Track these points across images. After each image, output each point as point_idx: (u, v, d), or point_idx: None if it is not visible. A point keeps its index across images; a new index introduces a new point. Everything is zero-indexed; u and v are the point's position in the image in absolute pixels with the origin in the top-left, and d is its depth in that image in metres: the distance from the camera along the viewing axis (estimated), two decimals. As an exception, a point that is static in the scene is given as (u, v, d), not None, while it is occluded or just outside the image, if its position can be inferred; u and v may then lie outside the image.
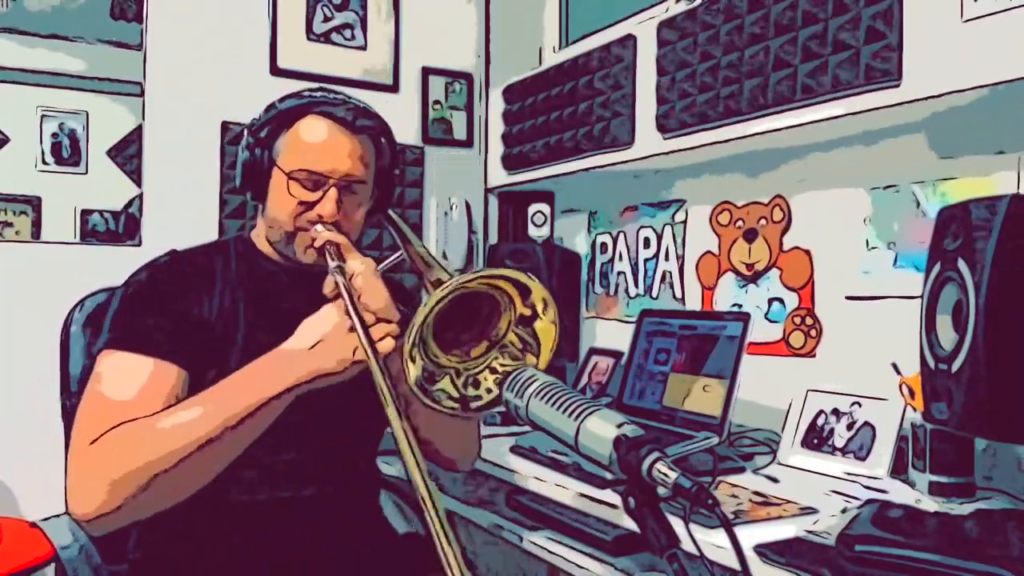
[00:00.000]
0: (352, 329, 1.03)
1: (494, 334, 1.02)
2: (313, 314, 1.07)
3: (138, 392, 1.08)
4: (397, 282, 1.40)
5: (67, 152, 2.05)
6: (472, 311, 1.01)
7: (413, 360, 0.95)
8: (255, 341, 1.19)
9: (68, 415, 1.30)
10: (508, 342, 1.02)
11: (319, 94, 1.22)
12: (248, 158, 1.22)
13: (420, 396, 0.96)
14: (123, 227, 2.08)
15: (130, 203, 2.09)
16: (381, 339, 1.03)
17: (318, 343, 1.04)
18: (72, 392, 1.33)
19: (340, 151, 1.18)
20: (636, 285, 2.24)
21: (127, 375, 1.09)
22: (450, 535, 0.80)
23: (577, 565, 1.37)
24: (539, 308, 1.00)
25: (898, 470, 1.40)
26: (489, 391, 1.00)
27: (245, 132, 1.24)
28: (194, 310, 1.18)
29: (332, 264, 1.11)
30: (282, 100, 1.23)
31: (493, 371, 1.01)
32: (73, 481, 1.04)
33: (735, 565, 0.71)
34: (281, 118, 1.21)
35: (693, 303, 2.05)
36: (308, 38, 2.29)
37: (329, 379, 1.05)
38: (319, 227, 1.17)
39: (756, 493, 1.31)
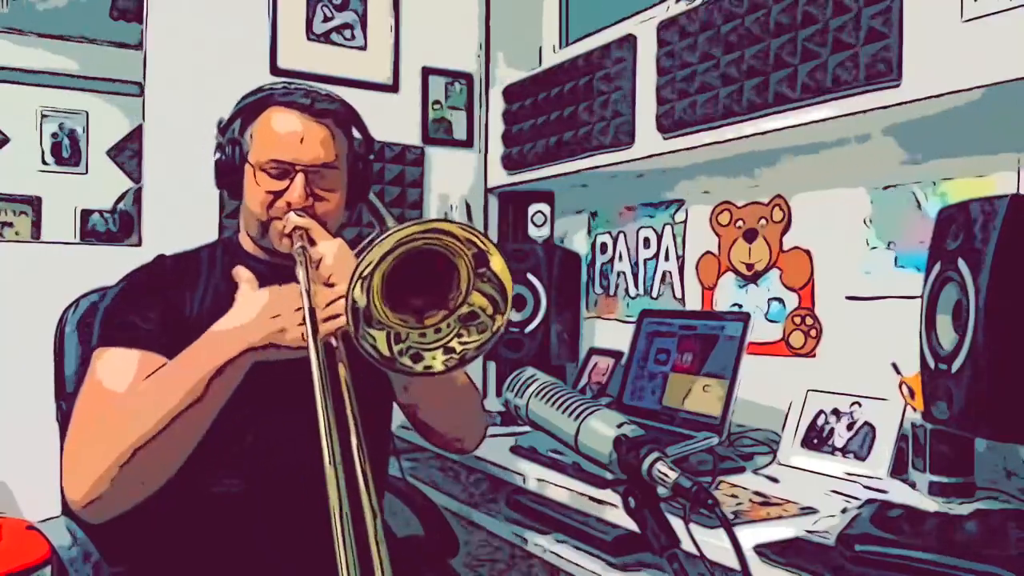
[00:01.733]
0: (300, 309, 1.03)
1: (454, 300, 0.97)
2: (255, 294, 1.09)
3: (129, 385, 1.10)
4: None
5: (67, 152, 2.05)
6: (435, 280, 0.97)
7: (362, 287, 0.90)
8: None
9: (64, 417, 1.30)
10: (477, 308, 0.96)
11: (280, 86, 1.26)
12: (219, 156, 1.26)
13: (348, 324, 0.91)
14: (117, 224, 2.08)
15: (121, 198, 2.08)
16: (330, 318, 1.02)
17: (273, 317, 1.05)
18: (67, 394, 1.33)
19: (303, 137, 1.21)
20: (636, 285, 2.24)
21: (118, 369, 1.13)
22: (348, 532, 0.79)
23: (577, 565, 1.37)
24: (480, 244, 0.93)
25: (898, 470, 1.40)
26: (428, 368, 0.96)
27: (216, 131, 1.28)
28: (178, 306, 1.21)
29: (296, 245, 1.13)
30: (245, 97, 1.27)
31: (448, 351, 0.96)
32: (65, 471, 1.08)
33: (735, 565, 0.71)
34: (245, 113, 1.26)
35: (693, 303, 2.05)
36: (308, 38, 2.29)
37: (280, 352, 1.05)
38: (291, 214, 1.20)
39: (756, 493, 1.31)
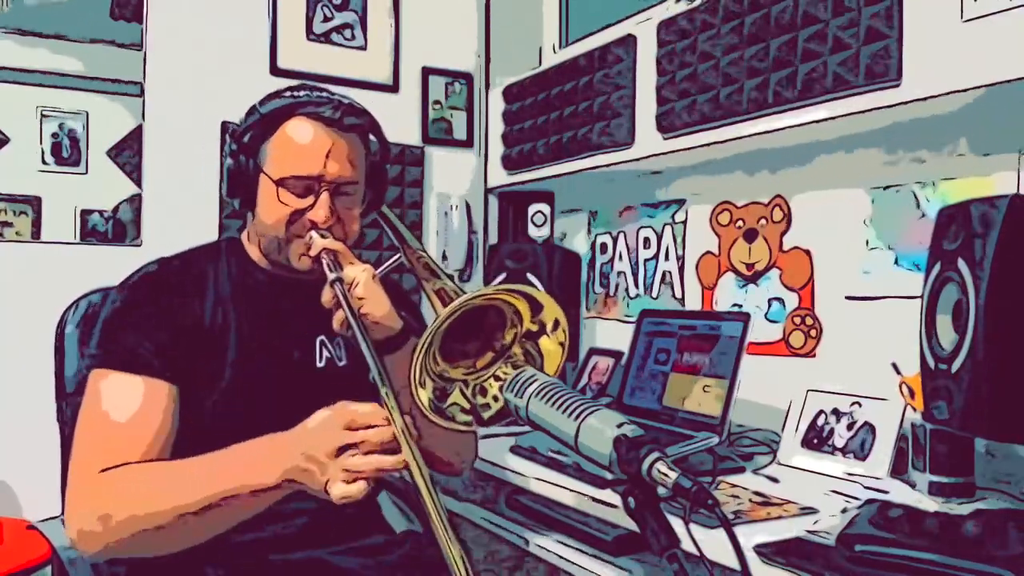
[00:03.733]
0: (339, 453, 0.94)
1: (499, 345, 0.99)
2: (321, 412, 0.98)
3: (132, 416, 1.08)
4: (395, 283, 1.39)
5: (67, 152, 2.05)
6: (477, 320, 0.98)
7: (423, 385, 0.92)
8: (249, 352, 1.18)
9: (64, 418, 1.30)
10: (512, 353, 0.99)
11: (302, 93, 1.17)
12: (233, 165, 1.17)
13: (436, 419, 0.93)
14: (111, 231, 2.07)
15: (117, 208, 2.08)
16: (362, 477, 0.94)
17: (305, 462, 0.95)
18: (67, 394, 1.32)
19: (329, 153, 1.13)
20: (636, 285, 2.24)
21: (121, 398, 1.09)
22: (452, 538, 0.79)
23: (577, 565, 1.37)
24: (548, 327, 0.96)
25: (898, 470, 1.40)
26: (496, 398, 0.98)
27: (228, 138, 1.20)
28: (186, 322, 1.15)
29: (331, 276, 1.07)
30: (263, 102, 1.18)
31: (497, 379, 0.98)
32: (70, 511, 1.05)
33: (735, 565, 0.71)
34: (265, 122, 1.16)
35: (693, 303, 2.05)
36: (308, 38, 2.29)
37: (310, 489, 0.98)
38: (314, 234, 1.13)
39: (756, 493, 1.31)
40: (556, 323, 0.95)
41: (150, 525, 1.00)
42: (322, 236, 1.13)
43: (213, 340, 1.17)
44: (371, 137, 1.24)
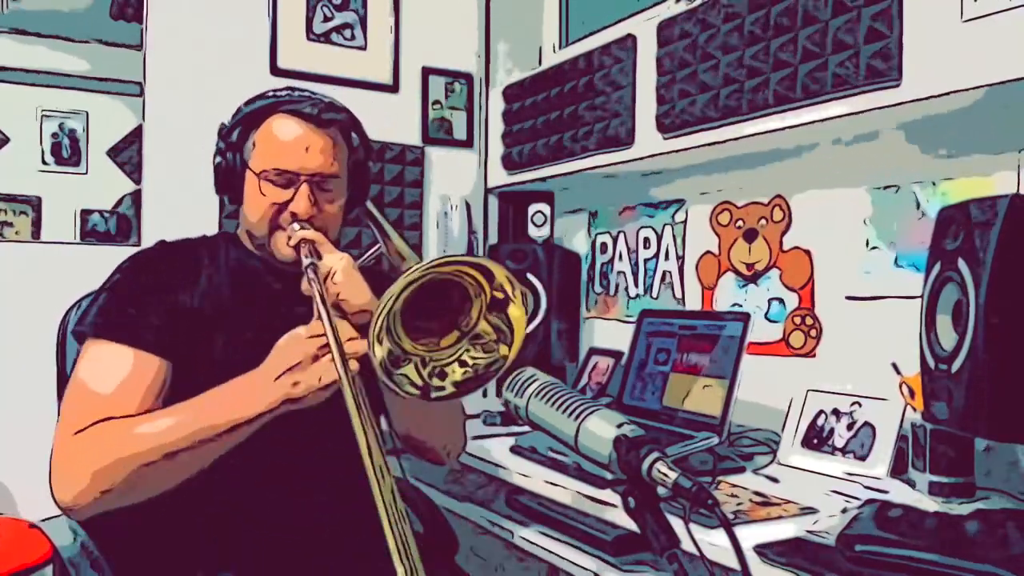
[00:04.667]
0: (316, 358, 1.01)
1: (465, 324, 1.00)
2: (285, 335, 1.05)
3: (120, 385, 1.11)
4: (381, 273, 1.39)
5: (67, 152, 2.05)
6: (443, 301, 1.00)
7: (380, 342, 0.93)
8: (240, 335, 1.20)
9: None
10: (481, 332, 1.00)
11: (284, 93, 1.24)
12: (220, 162, 1.25)
13: (382, 377, 0.95)
14: (115, 227, 2.08)
15: (120, 202, 2.08)
16: (350, 356, 0.99)
17: (284, 372, 1.02)
18: (70, 394, 1.32)
19: (309, 147, 1.20)
20: (636, 285, 2.24)
21: (110, 367, 1.12)
22: (397, 521, 0.82)
23: (577, 565, 1.37)
24: (508, 290, 0.97)
25: (898, 470, 1.40)
26: (456, 384, 0.99)
27: (216, 136, 1.26)
28: (180, 299, 1.19)
29: (305, 262, 1.11)
30: (248, 103, 1.25)
31: (463, 364, 1.00)
32: (56, 469, 1.07)
33: (735, 565, 0.71)
34: (249, 120, 1.23)
35: (693, 303, 2.05)
36: (308, 38, 2.29)
37: (298, 405, 1.03)
38: (295, 225, 1.19)
39: (756, 493, 1.31)
40: (511, 284, 0.97)
41: (135, 465, 1.03)
42: (302, 227, 1.18)
43: (206, 321, 1.20)
44: (353, 135, 1.29)
